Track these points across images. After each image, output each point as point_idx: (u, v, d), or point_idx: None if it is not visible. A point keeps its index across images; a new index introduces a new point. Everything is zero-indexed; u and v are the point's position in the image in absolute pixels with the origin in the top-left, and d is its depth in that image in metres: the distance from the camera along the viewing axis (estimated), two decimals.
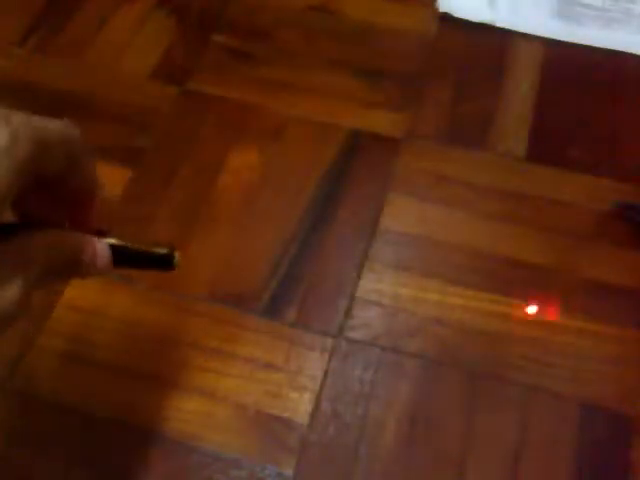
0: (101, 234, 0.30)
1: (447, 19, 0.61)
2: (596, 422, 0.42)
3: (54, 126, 0.27)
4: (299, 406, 0.43)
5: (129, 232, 0.49)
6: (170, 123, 0.55)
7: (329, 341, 0.45)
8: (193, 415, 0.42)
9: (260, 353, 0.44)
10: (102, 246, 0.30)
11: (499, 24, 0.61)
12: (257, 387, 0.43)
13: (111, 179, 0.52)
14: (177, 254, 0.32)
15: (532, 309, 0.45)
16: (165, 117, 0.55)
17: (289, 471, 0.41)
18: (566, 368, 0.44)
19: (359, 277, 0.47)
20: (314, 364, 0.44)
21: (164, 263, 0.32)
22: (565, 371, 0.44)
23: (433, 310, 0.46)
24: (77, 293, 0.46)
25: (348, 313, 0.46)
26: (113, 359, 0.44)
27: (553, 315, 0.44)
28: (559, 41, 0.60)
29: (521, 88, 0.57)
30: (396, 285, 0.47)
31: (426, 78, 0.57)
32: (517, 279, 0.47)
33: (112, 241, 0.31)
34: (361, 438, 0.42)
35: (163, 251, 0.32)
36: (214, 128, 0.55)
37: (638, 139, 0.54)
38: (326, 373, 0.44)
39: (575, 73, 0.58)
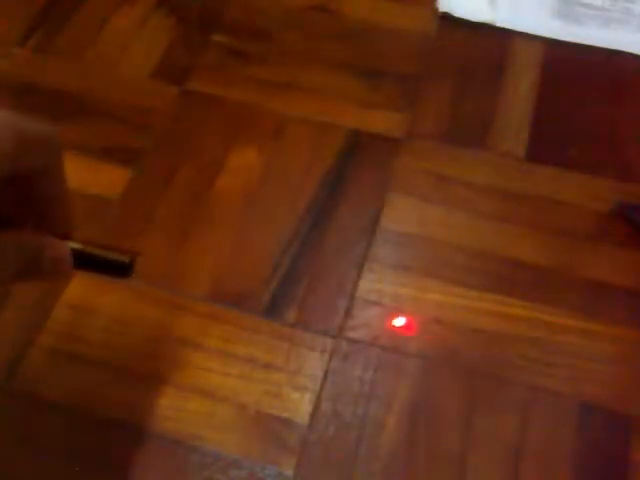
0: (64, 237, 0.31)
1: (447, 19, 0.61)
2: (596, 422, 0.42)
3: (37, 127, 0.27)
4: (299, 406, 0.43)
5: (129, 232, 0.49)
6: (170, 123, 0.55)
7: (329, 341, 0.45)
8: (193, 415, 0.42)
9: (260, 353, 0.44)
10: (64, 249, 0.30)
11: (499, 24, 0.61)
12: (257, 387, 0.43)
13: (111, 179, 0.52)
14: (136, 262, 0.32)
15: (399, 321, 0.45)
16: (165, 117, 0.55)
17: (289, 471, 0.41)
18: (566, 368, 0.44)
19: (359, 277, 0.47)
20: (314, 364, 0.44)
21: (122, 271, 0.32)
22: (565, 371, 0.44)
23: (433, 310, 0.46)
24: (75, 292, 0.46)
25: (348, 313, 0.46)
26: (112, 359, 0.44)
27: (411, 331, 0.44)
28: (559, 41, 0.60)
29: (521, 88, 0.57)
30: (396, 285, 0.47)
31: (426, 78, 0.57)
32: (517, 279, 0.47)
33: (74, 245, 0.31)
34: (361, 438, 0.42)
35: (123, 259, 0.32)
36: (214, 128, 0.55)
37: (638, 139, 0.54)
38: (326, 373, 0.44)
39: (575, 73, 0.58)
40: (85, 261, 0.32)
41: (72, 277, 0.47)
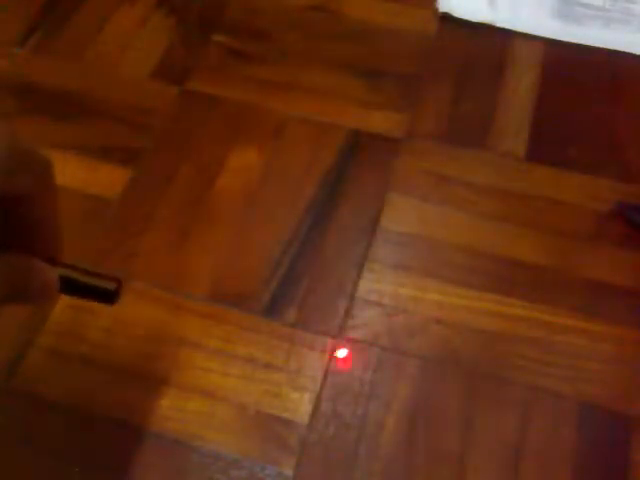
0: (51, 262, 0.30)
1: (447, 19, 0.61)
2: (596, 422, 0.42)
3: (31, 147, 0.27)
4: (299, 406, 0.43)
5: (129, 232, 0.49)
6: (170, 123, 0.55)
7: (329, 341, 0.45)
8: (193, 415, 0.42)
9: (260, 353, 0.44)
10: (52, 275, 0.30)
11: (499, 24, 0.61)
12: (257, 387, 0.43)
13: (111, 179, 0.52)
14: (121, 289, 0.32)
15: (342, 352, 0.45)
16: (165, 117, 0.55)
17: (289, 471, 0.41)
18: (566, 368, 0.44)
19: (359, 277, 0.47)
20: (314, 364, 0.44)
21: (108, 298, 0.32)
22: (565, 371, 0.44)
23: (433, 310, 0.46)
24: None
25: (348, 313, 0.46)
26: (112, 359, 0.44)
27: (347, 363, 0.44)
28: (559, 41, 0.60)
29: (521, 88, 0.57)
30: (396, 285, 0.47)
31: (426, 78, 0.57)
32: (517, 279, 0.47)
33: (61, 271, 0.31)
34: (361, 438, 0.42)
35: (108, 286, 0.32)
36: (214, 128, 0.55)
37: (638, 139, 0.54)
38: (326, 373, 0.44)
39: (575, 73, 0.58)
40: (71, 287, 0.31)
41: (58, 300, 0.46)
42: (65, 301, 0.46)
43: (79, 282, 0.32)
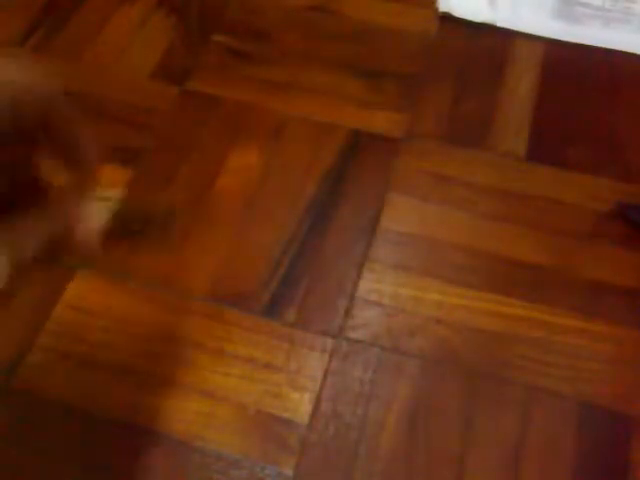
0: (91, 184, 0.30)
1: (447, 19, 0.61)
2: (596, 421, 0.42)
3: (34, 81, 0.27)
4: (299, 406, 0.43)
5: (130, 232, 0.49)
6: (170, 123, 0.55)
7: (329, 341, 0.45)
8: (194, 415, 0.42)
9: (260, 353, 0.44)
10: (93, 234, 0.30)
11: (499, 24, 0.61)
12: (257, 387, 0.43)
13: (111, 179, 0.52)
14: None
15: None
16: (165, 117, 0.55)
17: (289, 471, 0.41)
18: (566, 368, 0.44)
19: (359, 277, 0.47)
20: (314, 364, 0.44)
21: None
22: (565, 371, 0.44)
23: (433, 310, 0.46)
24: (76, 292, 0.46)
25: (348, 313, 0.46)
26: (113, 359, 0.44)
27: None
28: (559, 41, 0.60)
29: (521, 88, 0.57)
30: (396, 285, 0.47)
31: (426, 78, 0.57)
32: (517, 279, 0.47)
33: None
34: (361, 438, 0.42)
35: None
36: (214, 128, 0.55)
37: (638, 139, 0.54)
38: (326, 373, 0.44)
39: (575, 73, 0.58)
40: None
41: (73, 277, 0.47)
42: (65, 301, 0.46)
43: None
